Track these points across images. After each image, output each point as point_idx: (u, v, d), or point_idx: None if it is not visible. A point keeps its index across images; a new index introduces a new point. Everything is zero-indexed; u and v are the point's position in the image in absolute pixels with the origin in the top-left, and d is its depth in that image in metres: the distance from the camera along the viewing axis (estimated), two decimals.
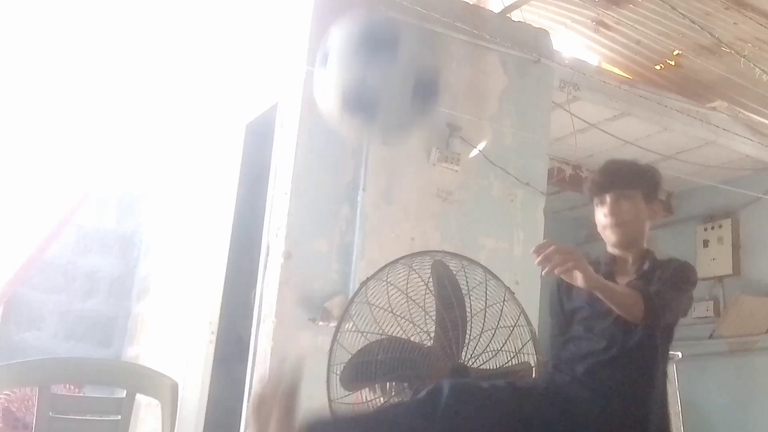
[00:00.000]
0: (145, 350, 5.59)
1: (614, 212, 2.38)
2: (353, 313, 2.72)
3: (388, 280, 2.78)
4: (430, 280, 2.91)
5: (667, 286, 2.28)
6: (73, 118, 6.07)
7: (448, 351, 2.79)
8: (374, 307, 2.73)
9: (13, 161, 5.82)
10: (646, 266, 2.35)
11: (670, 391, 4.53)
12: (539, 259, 2.03)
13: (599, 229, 2.43)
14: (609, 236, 2.42)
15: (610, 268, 2.42)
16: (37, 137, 5.92)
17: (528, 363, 3.18)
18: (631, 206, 2.36)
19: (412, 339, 2.72)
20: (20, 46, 5.90)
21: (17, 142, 5.85)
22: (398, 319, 2.73)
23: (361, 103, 1.91)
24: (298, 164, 4.08)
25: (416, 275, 2.84)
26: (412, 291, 2.81)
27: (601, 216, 2.42)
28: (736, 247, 6.65)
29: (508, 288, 3.31)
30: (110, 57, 6.07)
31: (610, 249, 2.44)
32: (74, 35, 5.97)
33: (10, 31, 5.84)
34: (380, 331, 2.68)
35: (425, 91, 2.08)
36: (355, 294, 2.80)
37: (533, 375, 3.20)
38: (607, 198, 2.39)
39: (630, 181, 2.39)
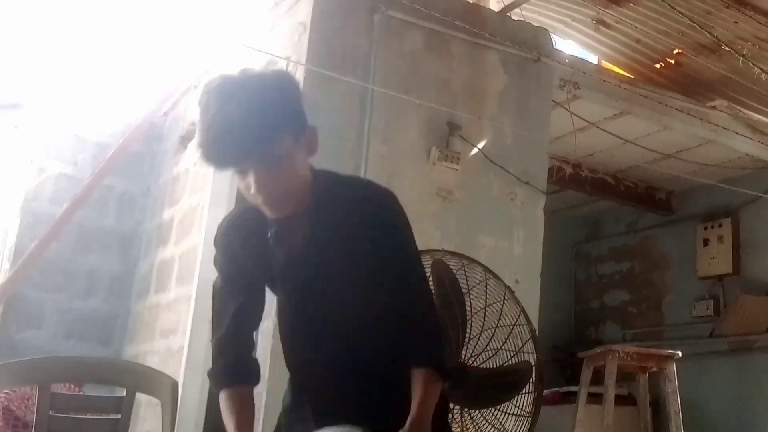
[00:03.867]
0: (144, 349, 5.59)
1: (265, 187, 1.73)
2: None
3: None
4: (430, 279, 2.91)
5: (409, 282, 1.92)
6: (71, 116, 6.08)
7: (448, 350, 2.79)
8: None
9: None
10: (317, 210, 1.87)
11: (670, 390, 4.54)
12: None
13: (250, 199, 1.79)
14: (268, 210, 1.79)
15: (282, 229, 1.88)
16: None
17: (528, 362, 3.18)
18: (284, 168, 1.73)
19: None
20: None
21: None
22: None
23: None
24: None
25: None
26: None
27: (249, 188, 1.75)
28: (736, 246, 6.65)
29: (508, 287, 3.32)
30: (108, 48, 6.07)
31: (269, 215, 1.82)
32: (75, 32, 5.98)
33: None
34: None
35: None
36: None
37: (533, 374, 3.20)
38: (251, 172, 1.71)
39: (273, 141, 1.68)
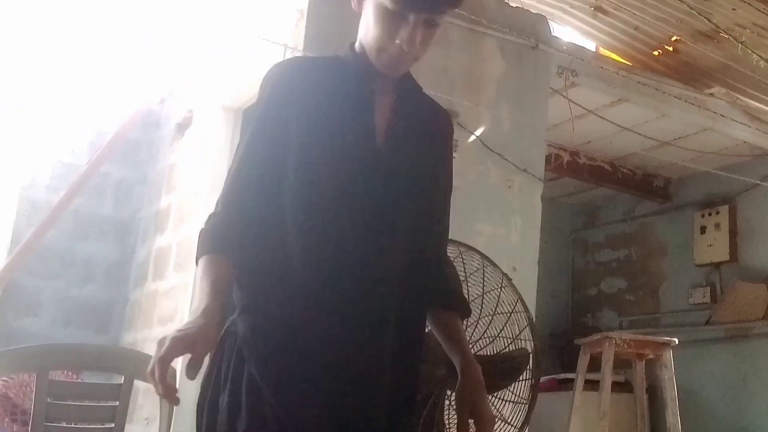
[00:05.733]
0: (142, 336, 5.60)
1: (415, 42, 1.66)
2: None
3: None
4: None
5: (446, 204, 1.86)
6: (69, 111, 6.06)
7: None
8: None
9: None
10: (401, 92, 1.79)
11: (666, 377, 4.56)
12: None
13: (380, 44, 1.67)
14: (390, 62, 1.70)
15: (368, 76, 1.74)
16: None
17: (525, 349, 3.19)
18: (434, 35, 1.72)
19: None
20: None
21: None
22: None
23: None
24: None
25: None
26: None
27: (391, 32, 1.66)
28: (733, 233, 6.66)
29: (505, 274, 3.32)
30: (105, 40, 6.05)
31: (381, 69, 1.72)
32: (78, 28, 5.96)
33: None
34: None
35: None
36: None
37: (530, 360, 3.21)
38: (412, 18, 1.64)
39: (446, 8, 1.70)
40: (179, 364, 1.62)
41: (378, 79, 1.74)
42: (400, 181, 1.72)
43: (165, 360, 1.44)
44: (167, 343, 1.46)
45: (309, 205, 1.66)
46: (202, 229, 1.66)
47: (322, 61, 1.82)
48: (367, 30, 1.70)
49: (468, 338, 3.11)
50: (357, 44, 1.76)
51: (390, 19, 1.65)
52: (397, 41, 1.66)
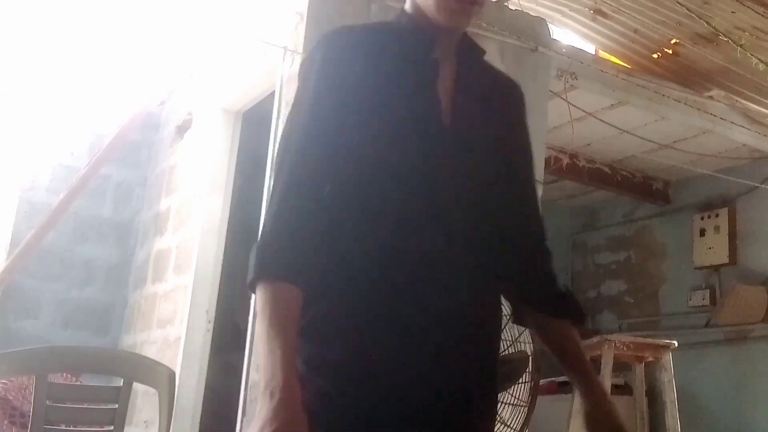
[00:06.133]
0: (142, 338, 5.60)
1: None
2: None
3: None
4: None
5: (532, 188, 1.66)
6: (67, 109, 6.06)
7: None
8: None
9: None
10: (464, 60, 1.57)
11: (666, 379, 4.56)
12: None
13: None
14: (461, 11, 1.48)
15: (430, 42, 1.53)
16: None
17: (524, 352, 3.19)
18: None
19: None
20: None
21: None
22: None
23: None
24: None
25: None
26: None
27: None
28: (732, 236, 6.66)
29: None
30: (103, 40, 6.05)
31: (444, 21, 1.49)
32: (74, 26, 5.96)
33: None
34: None
35: None
36: None
37: (530, 363, 3.21)
38: None
39: None
40: (178, 367, 1.61)
41: (439, 44, 1.53)
42: (472, 166, 1.50)
43: None
44: None
45: (373, 211, 1.43)
46: (258, 247, 1.43)
47: (375, 30, 1.62)
48: None
49: None
50: (408, 5, 1.60)
51: None
52: None
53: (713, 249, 6.74)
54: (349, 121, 1.43)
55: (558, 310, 1.59)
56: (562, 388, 5.77)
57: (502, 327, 1.59)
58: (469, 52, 1.60)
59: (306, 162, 1.42)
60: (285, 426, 1.25)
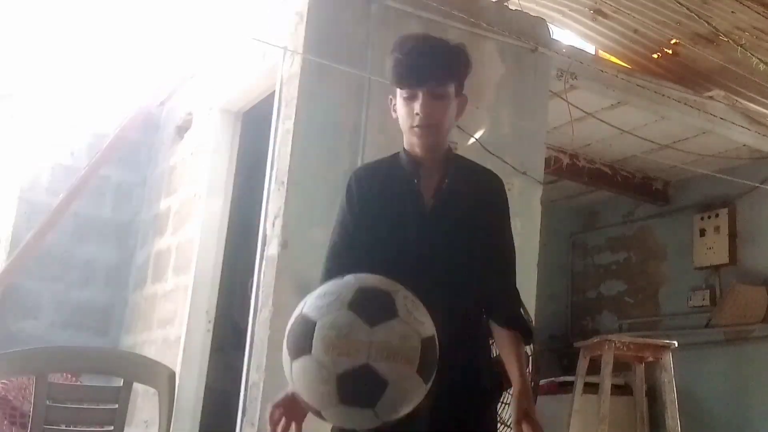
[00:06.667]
0: (142, 338, 5.60)
1: (428, 112, 2.05)
2: None
3: None
4: None
5: (505, 260, 2.33)
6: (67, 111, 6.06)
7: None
8: None
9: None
10: (450, 173, 2.16)
11: (666, 380, 4.56)
12: None
13: (404, 125, 2.10)
14: (418, 139, 2.09)
15: (412, 170, 2.13)
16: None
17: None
18: (445, 105, 2.07)
19: None
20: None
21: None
22: None
23: None
24: (295, 153, 4.07)
25: None
26: None
27: (410, 112, 2.07)
28: (732, 236, 6.66)
29: None
30: (102, 42, 6.05)
31: (415, 150, 2.13)
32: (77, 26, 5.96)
33: None
34: None
35: None
36: None
37: (530, 364, 3.21)
38: (420, 94, 2.04)
39: (445, 73, 2.08)
40: (178, 367, 1.62)
41: (424, 166, 2.13)
42: (447, 234, 2.11)
43: None
44: None
45: (373, 261, 2.04)
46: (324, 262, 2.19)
47: (383, 164, 2.24)
48: (399, 119, 2.12)
49: None
50: (405, 142, 2.16)
51: (405, 102, 2.08)
52: (415, 112, 2.05)
53: (713, 249, 6.74)
54: (366, 222, 2.15)
55: (514, 324, 2.19)
56: (563, 388, 5.77)
57: None
58: (457, 163, 2.19)
59: (345, 232, 2.19)
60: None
